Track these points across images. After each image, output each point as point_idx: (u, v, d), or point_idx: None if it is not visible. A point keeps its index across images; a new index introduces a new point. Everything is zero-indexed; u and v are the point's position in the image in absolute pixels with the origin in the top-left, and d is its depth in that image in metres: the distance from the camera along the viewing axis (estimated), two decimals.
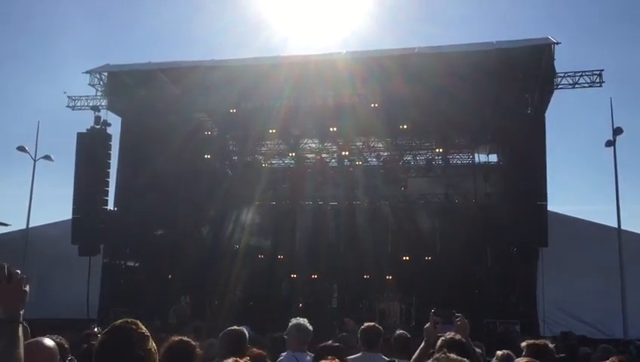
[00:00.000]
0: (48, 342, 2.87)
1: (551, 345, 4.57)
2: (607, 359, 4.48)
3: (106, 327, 2.51)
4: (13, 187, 45.81)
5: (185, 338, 3.45)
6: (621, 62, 43.36)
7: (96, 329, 6.89)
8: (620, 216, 18.33)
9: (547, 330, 17.03)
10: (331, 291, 25.18)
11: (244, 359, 3.08)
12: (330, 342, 4.94)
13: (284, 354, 5.26)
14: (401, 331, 6.06)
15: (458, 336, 3.77)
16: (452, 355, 2.54)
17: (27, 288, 2.40)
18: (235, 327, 4.68)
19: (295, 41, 48.64)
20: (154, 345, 2.42)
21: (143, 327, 2.40)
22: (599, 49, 43.55)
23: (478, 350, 4.66)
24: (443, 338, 3.73)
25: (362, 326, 5.41)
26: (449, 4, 49.06)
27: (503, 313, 18.23)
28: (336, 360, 3.88)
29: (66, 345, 3.69)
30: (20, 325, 2.33)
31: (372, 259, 22.16)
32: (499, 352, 4.57)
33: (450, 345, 3.50)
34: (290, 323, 5.38)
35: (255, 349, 4.40)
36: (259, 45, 52.52)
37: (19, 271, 2.42)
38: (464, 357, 2.57)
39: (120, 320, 2.41)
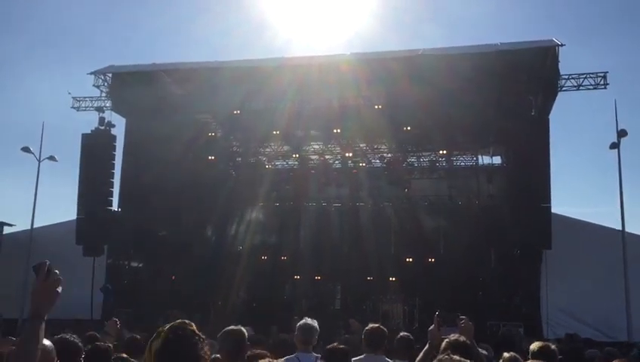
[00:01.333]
0: (46, 342, 2.89)
1: (553, 346, 4.61)
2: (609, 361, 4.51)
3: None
4: (18, 187, 45.94)
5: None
6: (626, 64, 43.28)
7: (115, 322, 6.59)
8: (623, 218, 18.27)
9: (550, 332, 17.01)
10: (335, 292, 25.19)
11: None
12: (335, 344, 4.94)
13: (289, 356, 5.27)
14: (404, 333, 6.06)
15: (462, 338, 3.77)
16: (455, 357, 2.53)
17: (60, 289, 2.48)
18: (234, 327, 4.68)
19: (299, 42, 48.72)
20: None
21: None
22: (604, 51, 43.47)
23: (484, 352, 4.67)
24: (447, 339, 3.73)
25: (366, 328, 5.41)
26: (453, 5, 49.05)
27: (506, 315, 18.20)
28: None
29: (79, 344, 3.65)
30: (43, 323, 2.41)
31: (375, 260, 22.15)
32: (505, 354, 4.57)
33: (455, 347, 3.51)
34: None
35: (257, 350, 4.39)
36: (263, 46, 52.73)
37: (57, 272, 2.49)
38: (468, 359, 2.56)
39: (178, 321, 2.46)
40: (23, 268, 20.39)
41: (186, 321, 2.47)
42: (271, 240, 24.79)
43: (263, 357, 4.15)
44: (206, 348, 2.42)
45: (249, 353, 4.32)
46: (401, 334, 5.96)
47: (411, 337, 5.99)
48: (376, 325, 5.47)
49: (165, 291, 21.48)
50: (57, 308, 2.50)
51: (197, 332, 2.43)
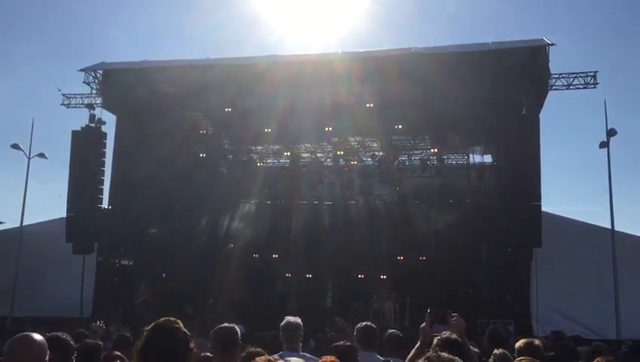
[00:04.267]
0: (37, 336, 2.87)
1: (537, 342, 4.68)
2: (594, 358, 4.57)
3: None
4: (7, 184, 45.70)
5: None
6: (616, 64, 43.60)
7: (100, 324, 6.80)
8: (613, 217, 18.44)
9: (540, 330, 17.10)
10: (326, 290, 25.19)
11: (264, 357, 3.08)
12: (342, 342, 4.92)
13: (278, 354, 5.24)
14: (393, 330, 6.07)
15: (454, 336, 3.79)
16: (443, 354, 2.54)
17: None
18: (226, 324, 4.66)
19: (292, 40, 48.57)
20: (194, 344, 2.48)
21: (183, 327, 2.46)
22: (594, 51, 43.76)
23: (475, 349, 4.71)
24: (438, 337, 3.75)
25: (358, 325, 5.41)
26: (446, 3, 49.17)
27: (497, 312, 18.28)
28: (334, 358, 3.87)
29: (71, 342, 3.60)
30: None
31: (367, 258, 22.20)
32: (496, 351, 4.62)
33: (446, 344, 3.53)
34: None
35: (253, 347, 4.36)
36: (255, 44, 52.50)
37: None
38: (459, 356, 2.57)
39: (163, 319, 2.45)
40: (12, 265, 20.30)
41: (171, 319, 2.47)
42: (262, 237, 24.75)
43: (260, 355, 4.13)
44: (191, 344, 2.42)
45: (248, 350, 4.28)
46: (390, 331, 5.97)
47: (400, 334, 6.01)
48: (369, 323, 5.48)
49: (156, 289, 21.41)
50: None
51: (182, 328, 2.42)
